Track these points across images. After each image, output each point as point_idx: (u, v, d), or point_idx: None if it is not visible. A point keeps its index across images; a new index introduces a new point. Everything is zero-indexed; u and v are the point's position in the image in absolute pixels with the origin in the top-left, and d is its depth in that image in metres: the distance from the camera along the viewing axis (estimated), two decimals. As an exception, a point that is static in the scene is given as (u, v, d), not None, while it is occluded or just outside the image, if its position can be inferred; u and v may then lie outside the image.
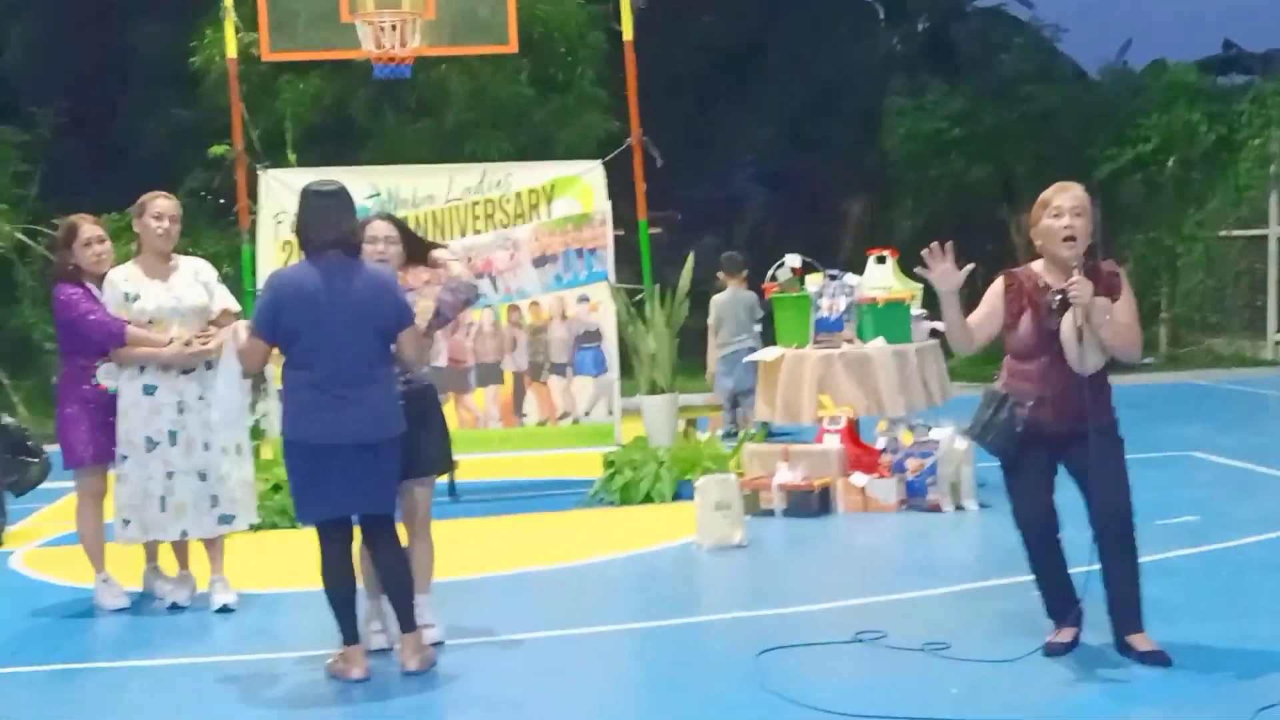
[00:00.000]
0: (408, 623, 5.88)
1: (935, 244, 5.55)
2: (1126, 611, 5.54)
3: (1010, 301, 5.62)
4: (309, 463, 5.72)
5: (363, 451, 5.68)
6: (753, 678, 5.50)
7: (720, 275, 13.27)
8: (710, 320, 13.07)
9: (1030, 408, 5.49)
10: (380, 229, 6.20)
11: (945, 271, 5.51)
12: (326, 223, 5.74)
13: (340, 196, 5.84)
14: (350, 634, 5.83)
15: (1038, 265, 5.66)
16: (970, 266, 5.56)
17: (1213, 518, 8.48)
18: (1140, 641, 5.51)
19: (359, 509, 5.82)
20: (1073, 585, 5.71)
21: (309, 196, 5.84)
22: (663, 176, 11.20)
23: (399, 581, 5.91)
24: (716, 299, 13.05)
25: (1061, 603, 5.73)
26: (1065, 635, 5.70)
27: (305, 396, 5.69)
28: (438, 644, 6.18)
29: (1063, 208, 5.48)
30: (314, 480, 5.74)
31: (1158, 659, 5.42)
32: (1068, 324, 5.44)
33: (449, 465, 6.40)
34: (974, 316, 5.66)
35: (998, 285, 5.69)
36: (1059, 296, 5.45)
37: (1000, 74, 23.73)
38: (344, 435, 5.65)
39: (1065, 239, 5.46)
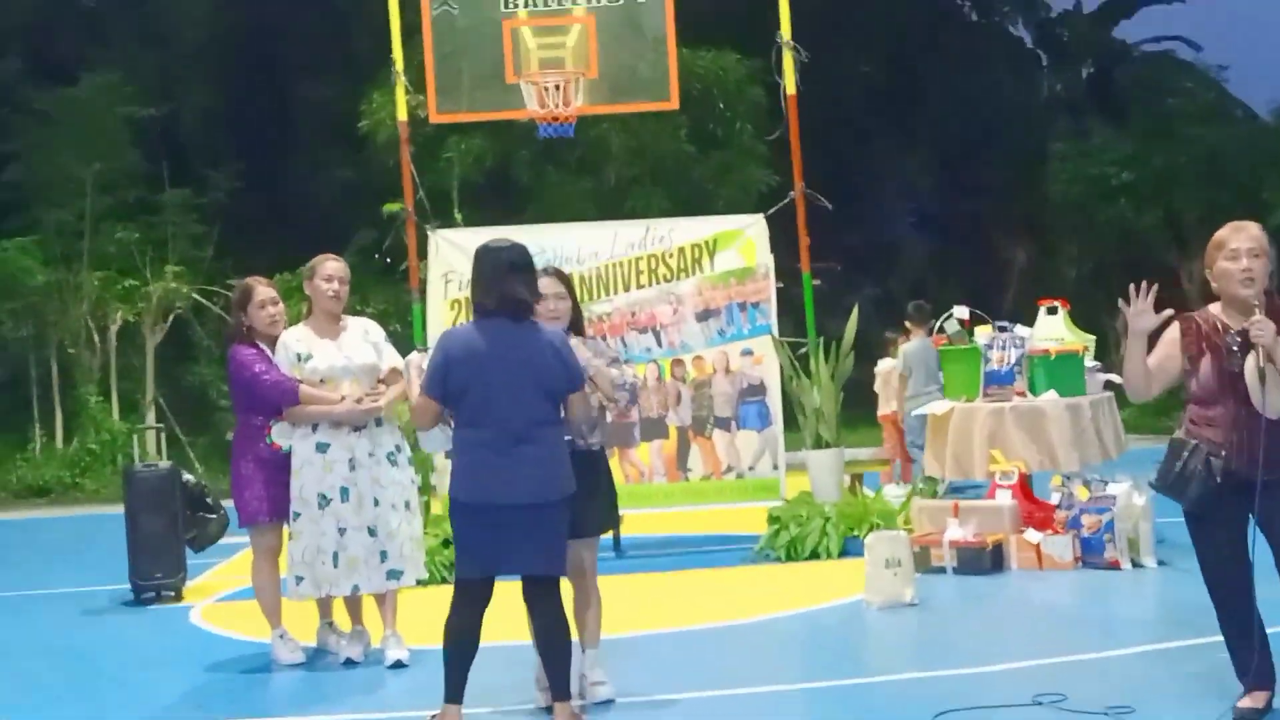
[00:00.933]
0: (561, 690, 5.78)
1: (1144, 283, 5.40)
2: None
3: (1188, 345, 5.45)
4: (474, 521, 5.70)
5: (529, 511, 5.65)
6: (929, 742, 5.37)
7: (908, 324, 13.08)
8: (900, 369, 12.88)
9: (1221, 455, 5.30)
10: (548, 286, 6.15)
11: (1143, 311, 5.37)
12: (499, 283, 5.72)
13: (514, 254, 5.81)
14: (454, 693, 5.74)
15: (1215, 308, 5.49)
16: (1168, 312, 5.40)
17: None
18: None
19: (524, 569, 5.76)
20: (1268, 646, 5.46)
21: (484, 255, 5.81)
22: (821, 226, 11.14)
23: (557, 647, 5.80)
24: (907, 348, 12.83)
25: (1253, 664, 5.46)
26: (1257, 700, 5.44)
27: (472, 456, 5.69)
28: (608, 701, 6.16)
29: (1239, 250, 5.32)
30: (478, 538, 5.71)
31: (1357, 727, 5.17)
32: (1251, 365, 5.23)
33: (614, 523, 6.38)
34: (1150, 361, 5.49)
35: (1173, 330, 5.52)
36: (1240, 337, 5.27)
37: (1168, 116, 23.23)
38: (510, 495, 5.62)
39: (1243, 280, 5.29)
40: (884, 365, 13.96)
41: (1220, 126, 22.43)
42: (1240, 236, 5.35)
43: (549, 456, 5.71)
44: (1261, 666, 5.45)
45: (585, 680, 6.23)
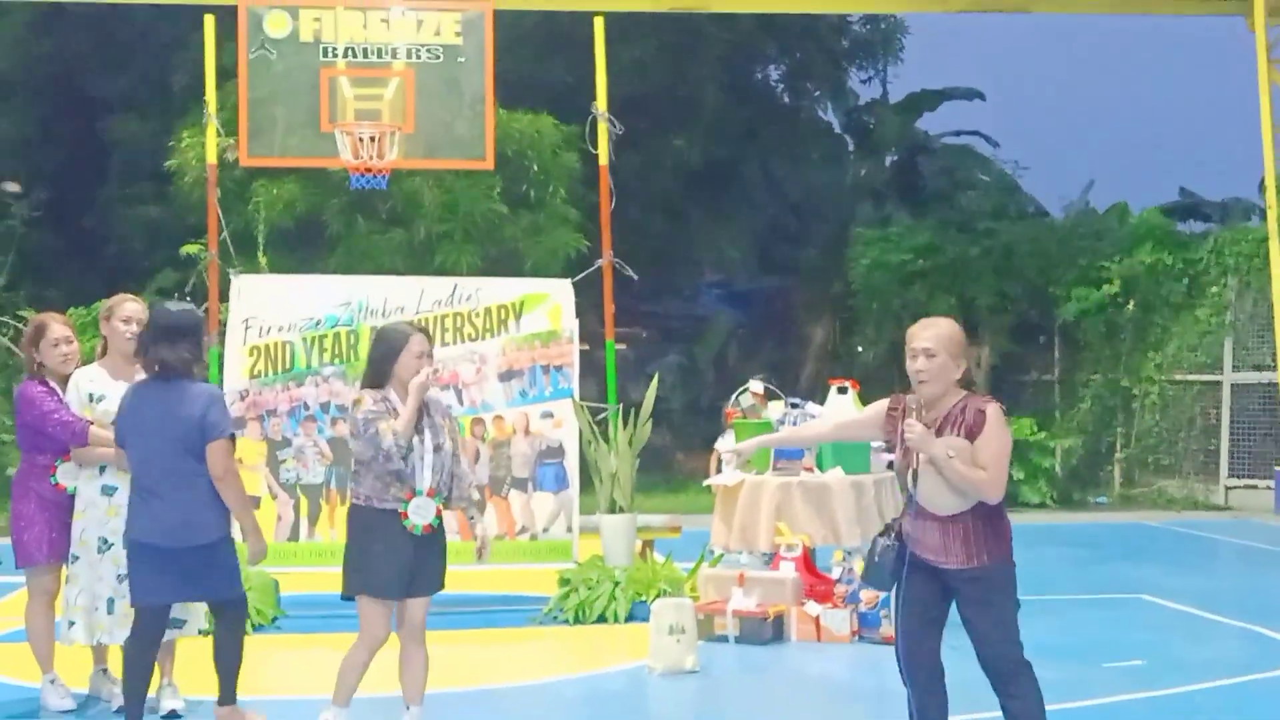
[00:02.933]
0: (226, 696, 6.55)
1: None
2: None
3: (891, 427, 5.53)
4: (136, 555, 6.39)
5: (182, 553, 6.33)
6: (699, 808, 5.48)
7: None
8: None
9: (905, 543, 5.43)
10: (421, 345, 6.34)
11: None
12: (151, 346, 6.43)
13: (176, 318, 6.52)
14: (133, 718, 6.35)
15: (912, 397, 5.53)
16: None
17: (1161, 662, 8.52)
18: None
19: (184, 597, 6.64)
20: None
21: (153, 316, 6.58)
22: (630, 293, 11.32)
23: (228, 656, 6.56)
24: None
25: None
26: None
27: (133, 499, 6.46)
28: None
29: (915, 349, 5.35)
30: (140, 571, 6.39)
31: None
32: (900, 462, 5.42)
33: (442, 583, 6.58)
34: (847, 421, 5.64)
35: (882, 405, 5.61)
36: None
37: (964, 209, 24.13)
38: (158, 537, 6.32)
39: (916, 381, 5.36)
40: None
41: (1013, 221, 23.35)
42: (920, 336, 5.38)
43: (187, 505, 6.34)
44: None
45: None
